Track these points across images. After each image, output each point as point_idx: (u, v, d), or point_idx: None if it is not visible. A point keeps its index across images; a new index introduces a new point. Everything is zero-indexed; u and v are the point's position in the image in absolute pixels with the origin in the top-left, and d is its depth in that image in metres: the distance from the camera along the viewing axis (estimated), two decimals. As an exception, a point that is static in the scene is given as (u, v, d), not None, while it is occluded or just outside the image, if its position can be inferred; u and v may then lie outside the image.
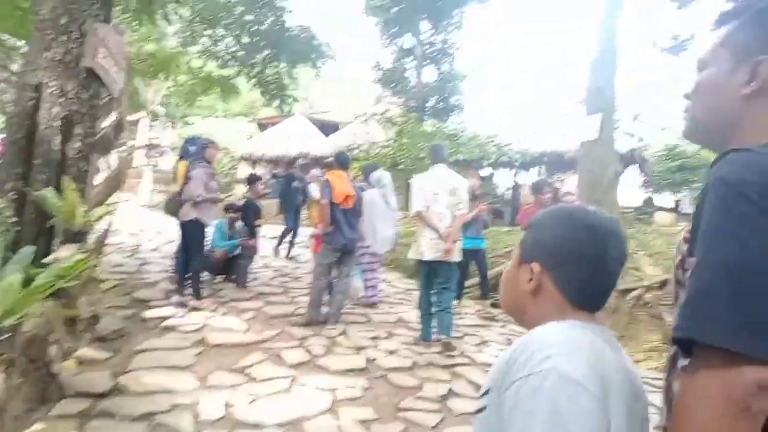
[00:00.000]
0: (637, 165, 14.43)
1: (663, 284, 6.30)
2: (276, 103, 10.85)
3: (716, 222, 0.72)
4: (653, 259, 6.85)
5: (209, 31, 10.11)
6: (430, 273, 4.66)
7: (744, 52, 0.85)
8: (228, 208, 6.29)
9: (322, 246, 5.11)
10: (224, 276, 6.29)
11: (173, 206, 5.10)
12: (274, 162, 20.76)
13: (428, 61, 17.77)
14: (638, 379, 0.87)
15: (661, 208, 13.97)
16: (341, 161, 5.29)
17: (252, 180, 6.40)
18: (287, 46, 9.80)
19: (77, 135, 3.93)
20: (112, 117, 4.72)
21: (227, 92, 10.59)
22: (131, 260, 7.30)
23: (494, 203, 15.79)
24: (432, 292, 4.69)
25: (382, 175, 6.02)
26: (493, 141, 12.11)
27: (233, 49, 10.48)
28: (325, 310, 5.15)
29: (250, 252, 6.07)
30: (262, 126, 24.82)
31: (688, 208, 14.99)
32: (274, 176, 21.15)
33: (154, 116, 28.92)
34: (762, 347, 0.65)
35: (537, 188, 6.04)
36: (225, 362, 3.89)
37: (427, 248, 4.55)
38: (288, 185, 8.83)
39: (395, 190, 6.11)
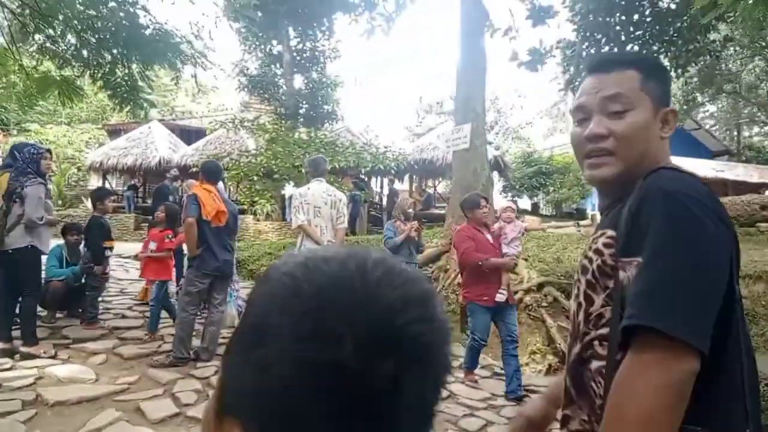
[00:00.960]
0: (498, 171, 15.35)
1: (541, 287, 6.53)
2: (128, 108, 9.66)
3: (664, 226, 0.84)
4: (528, 263, 7.10)
5: (44, 27, 8.68)
6: None
7: (658, 101, 1.01)
8: (67, 230, 5.28)
9: (189, 272, 4.45)
10: (65, 311, 5.30)
11: None
12: (129, 172, 18.83)
13: (297, 68, 17.30)
14: None
15: (525, 211, 14.98)
16: (210, 172, 4.67)
17: (99, 195, 5.45)
18: (140, 45, 8.75)
19: None
20: None
21: (70, 95, 9.19)
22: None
23: (373, 210, 15.79)
24: None
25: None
26: (368, 149, 12.03)
27: (75, 47, 9.14)
28: (196, 344, 4.51)
29: (98, 280, 5.13)
30: (114, 133, 22.47)
31: (545, 210, 16.30)
32: (130, 188, 19.22)
33: (-21, 122, 24.85)
34: (701, 339, 0.78)
35: (471, 203, 4.60)
36: (67, 427, 3.13)
37: None
38: (161, 200, 7.84)
39: (271, 200, 5.76)
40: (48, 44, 8.91)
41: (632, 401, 0.79)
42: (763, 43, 15.85)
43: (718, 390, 0.85)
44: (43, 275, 4.63)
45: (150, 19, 8.77)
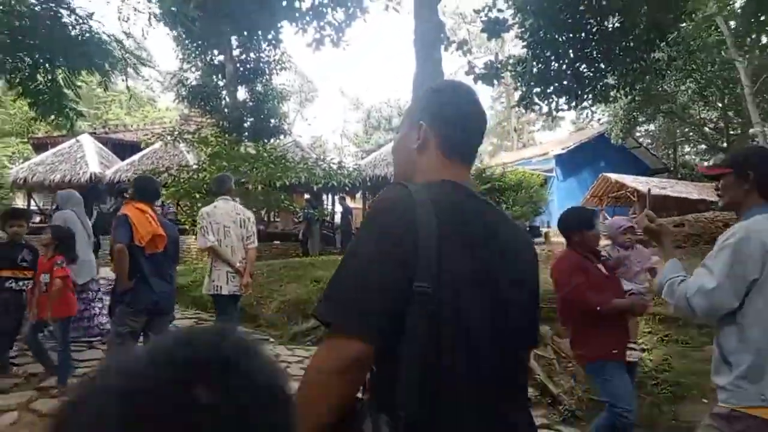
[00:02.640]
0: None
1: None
2: (51, 118, 8.67)
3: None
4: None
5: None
6: (225, 306, 4.59)
7: (414, 119, 1.21)
8: None
9: (120, 309, 3.72)
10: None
11: None
12: (57, 190, 17.31)
13: (241, 80, 16.48)
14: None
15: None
16: (144, 189, 3.96)
17: (13, 214, 4.54)
18: (65, 48, 7.84)
19: None
20: None
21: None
22: None
23: (325, 230, 15.13)
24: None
25: (71, 194, 5.55)
26: (320, 165, 11.44)
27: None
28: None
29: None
30: (40, 147, 20.72)
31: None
32: (58, 208, 17.61)
33: None
34: (356, 329, 0.93)
35: (581, 220, 3.35)
36: None
37: (224, 282, 4.49)
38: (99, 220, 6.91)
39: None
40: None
41: (303, 378, 0.96)
42: (694, 66, 16.57)
43: (389, 378, 0.94)
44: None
45: (75, 19, 7.88)
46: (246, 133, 15.72)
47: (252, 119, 16.42)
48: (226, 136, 12.42)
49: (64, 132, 11.92)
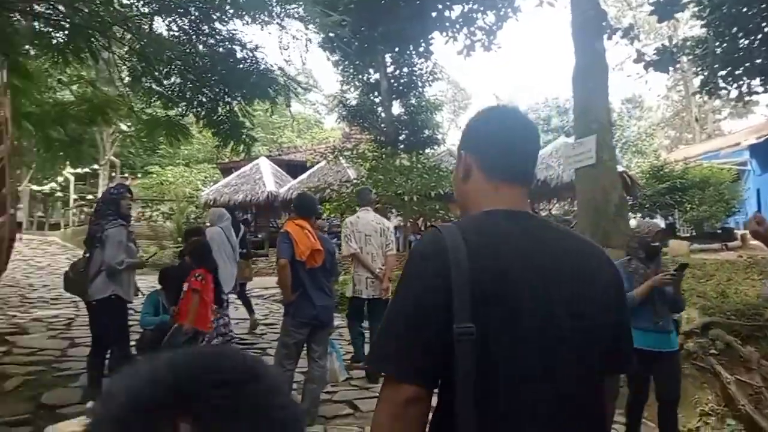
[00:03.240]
0: (625, 188, 13.67)
1: (706, 329, 5.21)
2: (231, 144, 9.66)
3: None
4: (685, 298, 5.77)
5: (150, 69, 8.92)
6: (360, 308, 5.16)
7: (460, 149, 1.22)
8: (164, 276, 4.93)
9: (285, 321, 3.87)
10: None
11: (77, 281, 3.77)
12: (240, 208, 19.51)
13: (395, 95, 16.96)
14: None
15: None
16: (303, 206, 4.11)
17: (192, 232, 5.08)
18: (239, 82, 8.68)
19: None
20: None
21: (176, 134, 9.32)
22: (58, 341, 5.88)
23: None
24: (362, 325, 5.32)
25: (221, 212, 6.35)
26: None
27: (179, 87, 9.31)
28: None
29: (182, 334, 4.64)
30: (226, 171, 23.59)
31: (683, 230, 14.22)
32: (242, 222, 19.88)
33: (112, 167, 27.49)
34: (403, 374, 0.98)
35: None
36: None
37: (364, 287, 4.95)
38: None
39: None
40: (154, 86, 9.16)
41: (373, 421, 1.02)
42: None
43: (444, 420, 0.99)
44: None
45: (246, 54, 8.71)
46: (401, 146, 16.07)
47: (406, 132, 16.75)
48: (382, 149, 12.78)
49: (242, 156, 13.37)
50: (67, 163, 23.21)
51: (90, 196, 25.95)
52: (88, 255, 3.77)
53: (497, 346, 0.96)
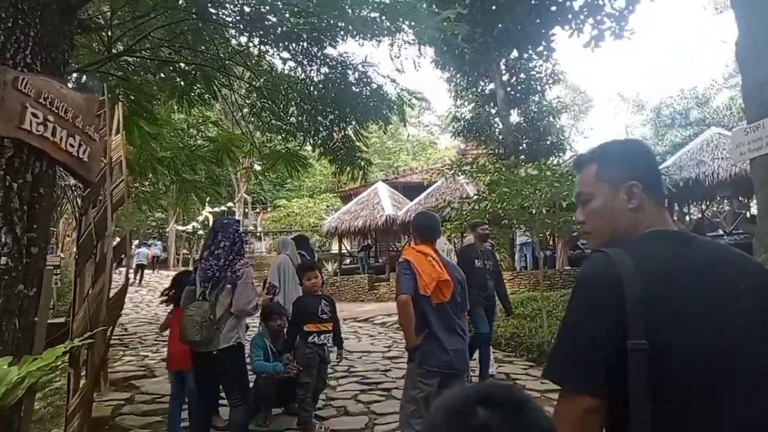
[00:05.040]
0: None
1: None
2: (348, 170, 9.48)
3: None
4: None
5: (269, 104, 9.07)
6: None
7: (616, 180, 1.22)
8: (269, 314, 4.57)
9: (411, 368, 3.26)
10: (282, 408, 4.59)
11: (207, 328, 3.37)
12: (361, 233, 19.58)
13: (512, 103, 15.95)
14: None
15: None
16: (424, 227, 3.50)
17: (306, 267, 4.68)
18: (353, 103, 8.46)
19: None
20: (90, 214, 3.34)
21: (296, 165, 9.34)
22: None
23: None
24: None
25: (286, 240, 6.31)
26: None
27: (296, 118, 9.36)
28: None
29: (307, 376, 4.19)
30: (346, 198, 24.01)
31: None
32: (363, 249, 19.98)
33: (245, 204, 29.45)
34: (582, 386, 1.03)
35: None
36: None
37: None
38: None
39: (499, 247, 5.05)
40: (273, 120, 9.28)
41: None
42: None
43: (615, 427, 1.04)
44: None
45: (357, 76, 8.49)
46: (522, 156, 15.00)
47: (527, 140, 15.63)
48: (503, 161, 11.87)
49: (360, 182, 13.26)
50: (207, 202, 25.13)
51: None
52: (212, 302, 3.38)
53: (669, 360, 1.01)
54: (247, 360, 3.85)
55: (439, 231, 3.69)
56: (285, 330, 4.39)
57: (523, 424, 0.70)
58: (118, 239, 6.57)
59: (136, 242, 21.09)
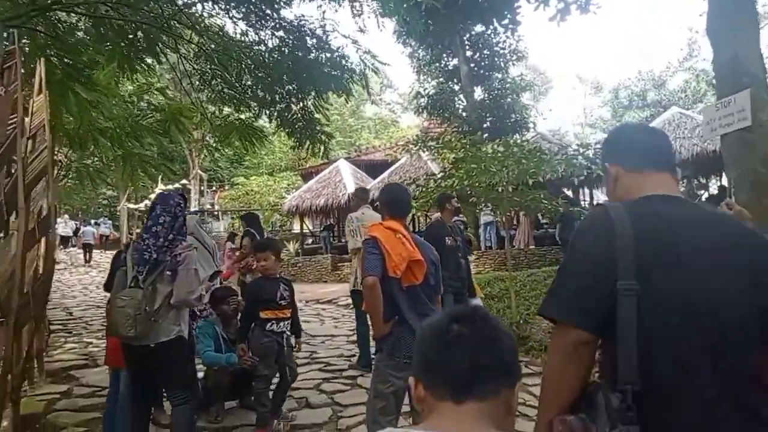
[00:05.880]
0: None
1: None
2: (307, 144, 8.98)
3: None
4: None
5: (221, 73, 8.41)
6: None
7: (604, 161, 1.47)
8: (219, 298, 4.10)
9: (379, 360, 2.88)
10: (237, 401, 4.16)
11: (142, 322, 2.78)
12: (323, 212, 19.04)
13: (476, 80, 15.61)
14: None
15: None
16: (394, 202, 3.09)
17: (257, 248, 4.19)
18: (312, 72, 7.92)
19: None
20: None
21: (250, 138, 8.75)
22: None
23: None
24: None
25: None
26: (582, 153, 9.70)
27: (251, 88, 8.74)
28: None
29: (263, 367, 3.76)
30: (307, 177, 23.36)
31: None
32: (325, 228, 19.45)
33: (201, 181, 28.29)
34: (576, 320, 1.17)
35: None
36: None
37: None
38: None
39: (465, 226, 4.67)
40: (226, 89, 8.65)
41: (548, 363, 1.28)
42: None
43: (606, 360, 1.21)
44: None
45: (315, 42, 7.93)
46: (486, 135, 14.78)
47: (491, 118, 15.39)
48: (470, 137, 11.55)
49: (321, 160, 12.70)
50: (160, 179, 23.93)
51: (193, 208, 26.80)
52: (150, 288, 2.87)
53: (652, 301, 1.12)
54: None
55: (409, 206, 3.30)
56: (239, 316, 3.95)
57: (489, 332, 0.95)
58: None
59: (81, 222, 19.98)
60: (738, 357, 1.11)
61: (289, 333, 3.82)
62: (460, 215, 10.77)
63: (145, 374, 3.00)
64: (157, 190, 24.26)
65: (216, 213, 27.80)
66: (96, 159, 10.64)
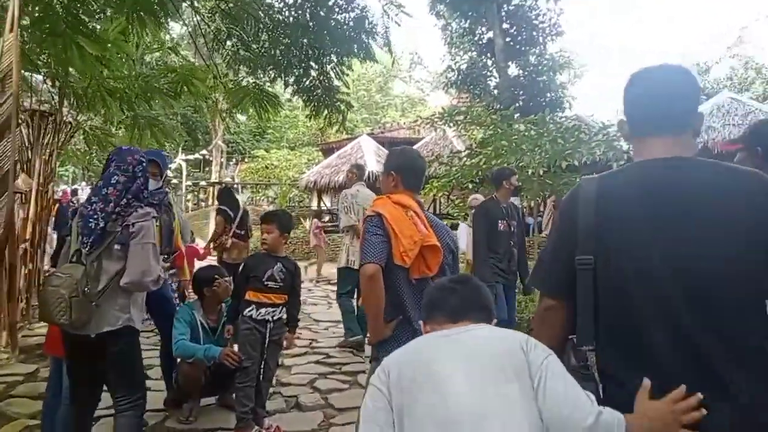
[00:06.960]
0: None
1: None
2: (324, 113, 8.36)
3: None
4: None
5: (236, 30, 7.81)
6: (353, 280, 4.69)
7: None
8: (203, 280, 3.54)
9: (373, 368, 2.26)
10: (216, 397, 3.62)
11: (78, 307, 2.19)
12: (342, 190, 18.47)
13: (511, 54, 14.68)
14: None
15: None
16: (407, 169, 2.41)
17: (262, 219, 3.59)
18: (332, 37, 7.28)
19: None
20: None
21: (265, 103, 8.15)
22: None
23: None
24: None
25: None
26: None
27: (266, 50, 8.12)
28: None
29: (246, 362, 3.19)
30: (329, 152, 22.74)
31: None
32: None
33: (221, 152, 27.93)
34: (541, 287, 1.44)
35: None
36: None
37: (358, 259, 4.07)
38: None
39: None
40: (241, 51, 8.05)
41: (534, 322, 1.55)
42: None
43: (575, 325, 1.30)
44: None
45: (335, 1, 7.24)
46: (517, 114, 13.90)
47: (524, 96, 14.49)
48: (501, 111, 10.72)
49: (342, 134, 12.06)
50: (182, 148, 23.51)
51: (203, 183, 26.51)
52: (88, 267, 2.27)
53: (608, 272, 1.21)
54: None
55: (423, 176, 2.63)
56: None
57: (472, 289, 1.42)
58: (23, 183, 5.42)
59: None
60: (702, 320, 1.12)
61: (273, 323, 3.21)
62: (517, 195, 9.16)
63: (85, 370, 2.44)
64: (178, 160, 23.99)
65: (235, 186, 27.47)
66: (104, 121, 10.19)
